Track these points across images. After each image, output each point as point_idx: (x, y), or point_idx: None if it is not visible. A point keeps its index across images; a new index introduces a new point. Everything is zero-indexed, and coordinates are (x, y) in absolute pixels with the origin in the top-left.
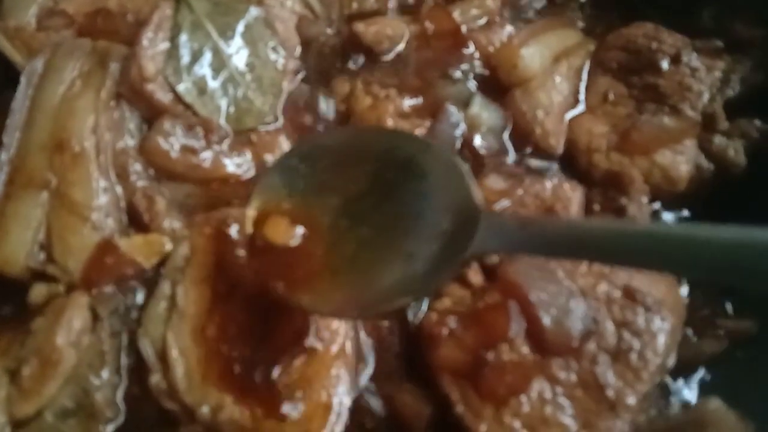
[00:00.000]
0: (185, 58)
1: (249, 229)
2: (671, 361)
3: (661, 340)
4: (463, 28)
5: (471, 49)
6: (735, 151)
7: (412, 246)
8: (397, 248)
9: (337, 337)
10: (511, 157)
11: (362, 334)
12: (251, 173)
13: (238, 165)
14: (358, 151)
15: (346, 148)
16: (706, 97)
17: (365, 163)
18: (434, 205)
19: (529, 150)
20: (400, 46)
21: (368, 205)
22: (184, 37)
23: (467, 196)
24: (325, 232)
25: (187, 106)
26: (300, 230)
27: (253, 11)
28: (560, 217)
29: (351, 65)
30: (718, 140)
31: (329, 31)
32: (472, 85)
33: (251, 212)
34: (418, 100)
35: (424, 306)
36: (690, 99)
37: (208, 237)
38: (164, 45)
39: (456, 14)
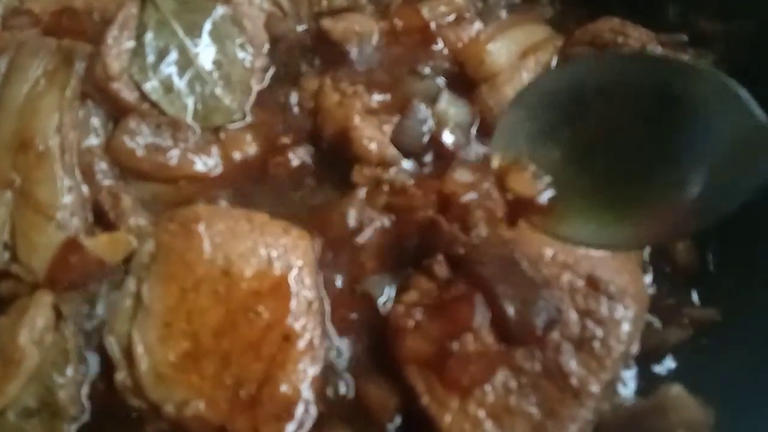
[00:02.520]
0: (151, 56)
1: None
2: (634, 349)
3: (624, 328)
4: (432, 25)
5: (440, 45)
6: None
7: (686, 176)
8: (667, 179)
9: (305, 332)
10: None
11: (330, 327)
12: (219, 170)
13: (205, 163)
14: (611, 83)
15: (594, 82)
16: None
17: (621, 95)
18: (707, 132)
19: None
20: (369, 43)
21: (628, 139)
22: (149, 36)
23: (749, 117)
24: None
25: (154, 105)
26: (547, 178)
27: (220, 9)
28: None
29: (319, 62)
30: None
31: (298, 28)
32: (441, 81)
33: (495, 162)
34: (386, 96)
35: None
36: None
37: (174, 234)
38: (130, 43)
39: (425, 11)
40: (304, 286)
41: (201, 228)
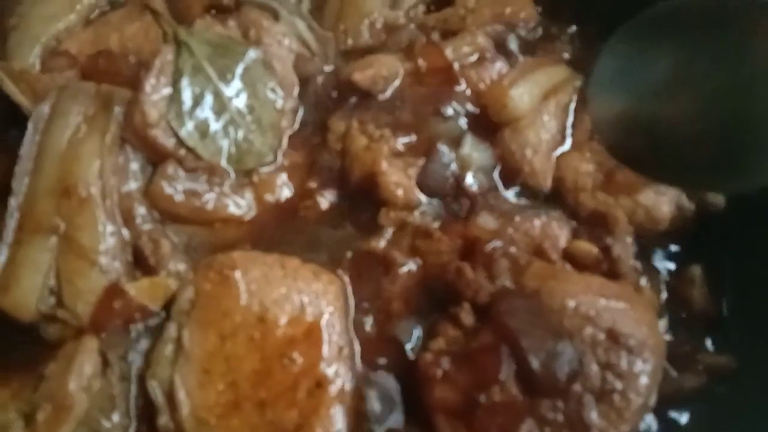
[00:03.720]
0: (187, 102)
1: None
2: (653, 400)
3: (643, 381)
4: (455, 65)
5: (463, 86)
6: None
7: None
8: None
9: (336, 378)
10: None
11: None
12: (252, 213)
13: (239, 206)
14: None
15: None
16: None
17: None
18: None
19: (517, 188)
20: (394, 84)
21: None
22: (185, 82)
23: None
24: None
25: (190, 150)
26: None
27: (252, 53)
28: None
29: (346, 103)
30: None
31: (326, 68)
32: (463, 122)
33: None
34: (411, 138)
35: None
36: None
37: (212, 281)
38: (166, 90)
39: (448, 51)
40: (334, 332)
41: (237, 275)
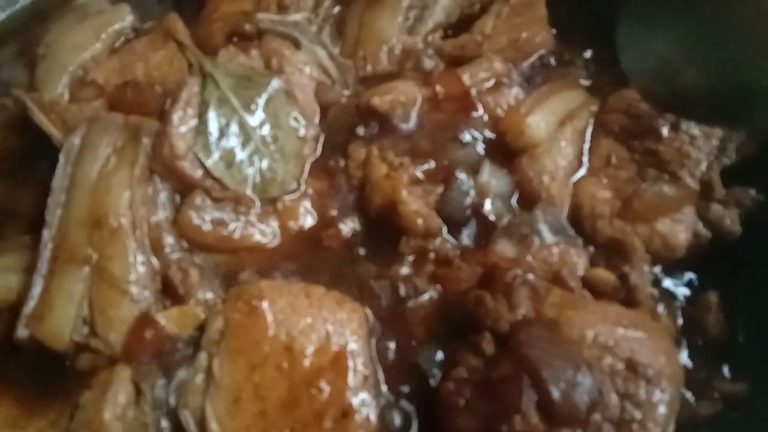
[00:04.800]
0: (213, 133)
1: None
2: (671, 429)
3: (661, 410)
4: (473, 91)
5: (480, 111)
6: (731, 220)
7: None
8: None
9: (362, 407)
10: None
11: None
12: (277, 241)
13: (264, 234)
14: None
15: None
16: (704, 164)
17: None
18: None
19: None
20: (413, 110)
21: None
22: (211, 113)
23: None
24: None
25: (216, 180)
26: None
27: (275, 83)
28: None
29: (366, 130)
30: (715, 208)
31: (345, 93)
32: (481, 148)
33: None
34: (430, 165)
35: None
36: (688, 166)
37: (240, 311)
38: (193, 122)
39: (466, 77)
40: (359, 361)
41: (265, 305)
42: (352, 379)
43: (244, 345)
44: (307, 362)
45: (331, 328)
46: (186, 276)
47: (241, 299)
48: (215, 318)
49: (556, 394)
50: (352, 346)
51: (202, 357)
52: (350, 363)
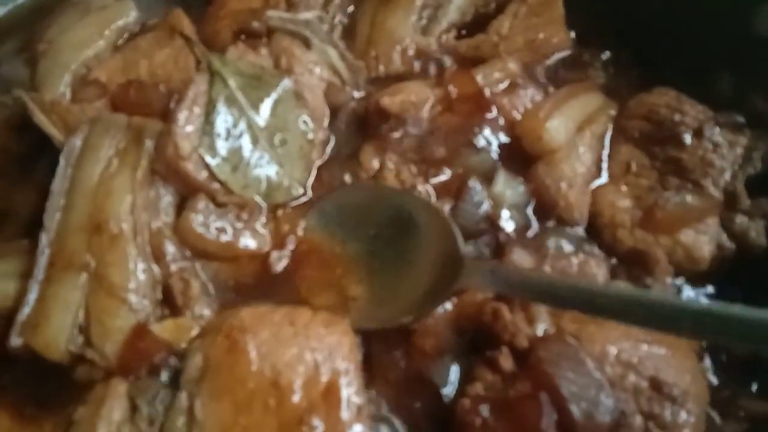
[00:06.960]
0: (220, 134)
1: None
2: None
3: None
4: (486, 92)
5: (494, 113)
6: (756, 232)
7: (416, 277)
8: (405, 278)
9: None
10: (535, 230)
11: (397, 422)
12: (277, 249)
13: (266, 241)
14: (372, 205)
15: (362, 201)
16: (728, 174)
17: (378, 214)
18: (430, 250)
19: (552, 223)
20: (424, 111)
21: (382, 244)
22: (219, 113)
23: (454, 247)
24: (351, 259)
25: (221, 183)
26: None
27: (284, 84)
28: None
29: (377, 131)
30: (740, 220)
31: (356, 94)
32: (495, 153)
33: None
34: (443, 176)
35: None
36: (712, 175)
37: (220, 347)
38: (199, 121)
39: (479, 77)
40: (352, 392)
41: (247, 339)
42: (346, 413)
43: (227, 383)
44: (296, 398)
45: (320, 357)
46: (187, 287)
47: (221, 333)
48: (194, 355)
49: (577, 413)
50: (344, 375)
51: (183, 397)
52: (343, 393)
